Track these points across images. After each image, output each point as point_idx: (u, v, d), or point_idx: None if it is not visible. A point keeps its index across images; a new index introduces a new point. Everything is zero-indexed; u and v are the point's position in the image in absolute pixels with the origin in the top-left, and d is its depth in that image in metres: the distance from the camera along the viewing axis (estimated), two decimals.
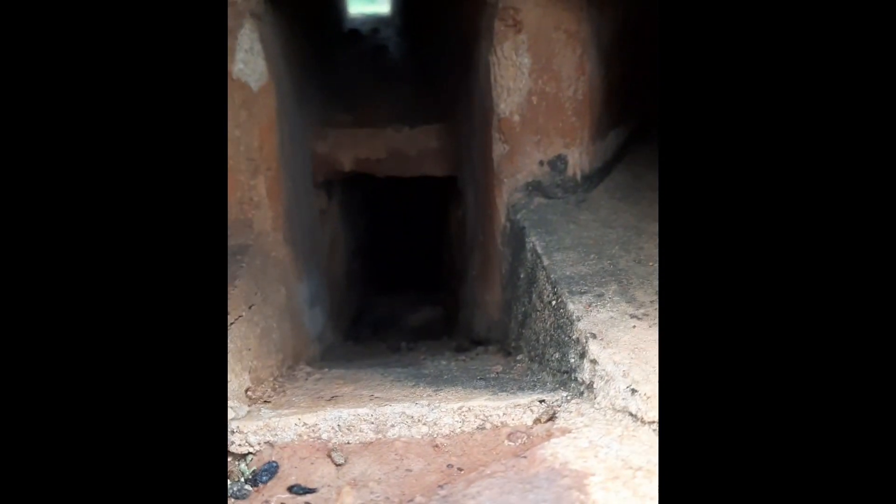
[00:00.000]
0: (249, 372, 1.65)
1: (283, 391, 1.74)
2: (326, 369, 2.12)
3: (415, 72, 4.10)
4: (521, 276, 1.99)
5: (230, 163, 2.09)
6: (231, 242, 2.09)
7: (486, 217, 2.38)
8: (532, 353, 1.81)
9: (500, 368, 1.92)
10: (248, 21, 2.05)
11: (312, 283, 2.69)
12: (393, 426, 1.38)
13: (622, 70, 2.29)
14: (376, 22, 6.05)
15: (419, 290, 4.95)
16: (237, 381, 1.55)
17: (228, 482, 1.26)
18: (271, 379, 1.79)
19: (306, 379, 1.96)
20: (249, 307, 1.83)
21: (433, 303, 4.67)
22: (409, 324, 4.48)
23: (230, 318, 1.68)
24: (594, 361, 1.41)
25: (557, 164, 2.14)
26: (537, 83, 2.08)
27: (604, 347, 1.42)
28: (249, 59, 2.06)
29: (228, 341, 1.59)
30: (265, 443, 1.33)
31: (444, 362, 2.24)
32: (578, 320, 1.54)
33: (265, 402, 1.60)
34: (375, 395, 1.59)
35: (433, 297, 4.73)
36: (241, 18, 2.03)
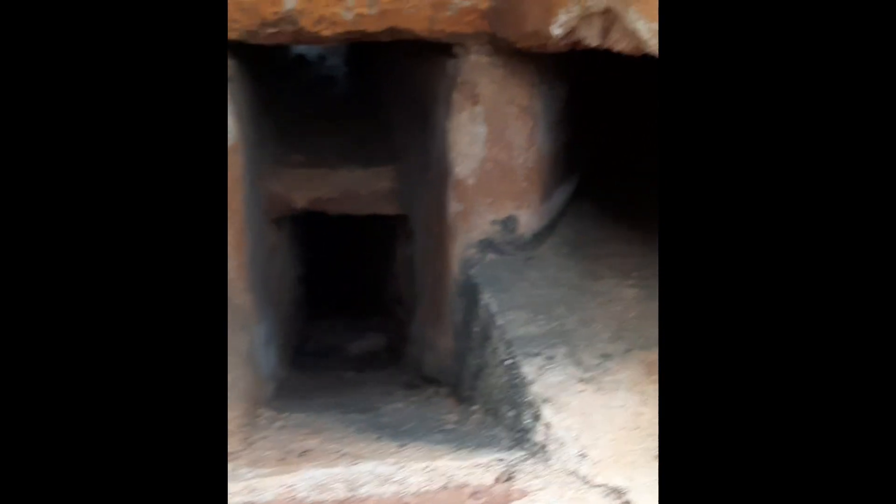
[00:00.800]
0: None
1: (253, 443, 1.85)
2: (287, 413, 2.22)
3: (365, 107, 4.21)
4: (476, 330, 2.15)
5: None
6: None
7: (440, 267, 2.52)
8: (486, 407, 1.97)
9: (455, 418, 2.07)
10: None
11: (268, 323, 2.78)
12: (364, 485, 1.51)
13: (567, 136, 2.49)
14: (322, 48, 6.13)
15: (360, 316, 5.04)
16: None
17: None
18: (238, 430, 1.89)
19: (269, 427, 2.06)
20: None
21: (375, 329, 4.77)
22: (352, 352, 4.58)
23: None
24: (548, 425, 1.57)
25: (508, 223, 2.31)
26: (491, 151, 2.24)
27: (556, 412, 1.59)
28: None
29: None
30: (247, 503, 1.44)
31: (399, 405, 2.38)
32: (532, 383, 1.70)
33: (237, 457, 1.70)
34: (344, 450, 1.72)
35: (375, 323, 4.84)
36: None
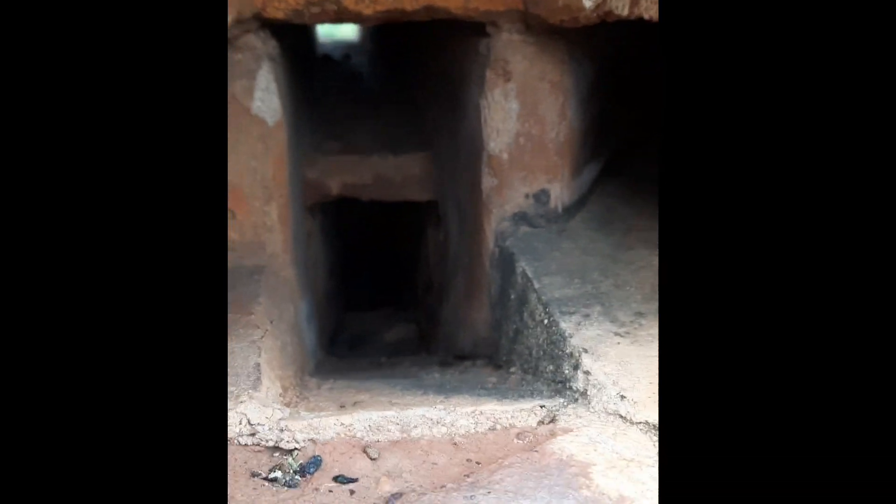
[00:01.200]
0: (279, 381, 1.85)
1: (307, 398, 1.95)
2: (332, 380, 2.32)
3: (393, 101, 4.33)
4: (512, 297, 2.24)
5: (247, 191, 2.30)
6: (247, 262, 2.29)
7: (475, 242, 2.62)
8: (525, 366, 2.05)
9: (494, 380, 2.15)
10: (266, 63, 2.26)
11: (308, 301, 2.89)
12: (416, 427, 1.60)
13: (596, 113, 2.57)
14: (347, 48, 6.27)
15: (391, 308, 5.15)
16: (273, 387, 1.76)
17: (280, 473, 1.46)
18: (292, 388, 1.99)
19: (319, 388, 2.16)
20: (271, 322, 2.03)
21: (406, 320, 4.87)
22: (384, 340, 4.68)
23: (259, 333, 1.89)
24: (587, 372, 1.66)
25: (541, 197, 2.40)
26: (524, 126, 2.34)
27: (595, 360, 1.67)
28: (266, 97, 2.27)
29: (262, 352, 1.79)
30: (309, 440, 1.53)
31: (437, 374, 2.46)
32: (571, 337, 1.79)
33: (296, 405, 1.80)
34: (394, 400, 1.81)
35: (406, 314, 4.94)
36: (260, 61, 2.24)
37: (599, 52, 2.52)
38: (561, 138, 2.37)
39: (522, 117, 2.34)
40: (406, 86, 4.32)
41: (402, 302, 5.06)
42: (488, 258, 2.49)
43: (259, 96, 2.27)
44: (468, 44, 2.50)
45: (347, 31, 7.19)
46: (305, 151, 3.35)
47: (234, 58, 2.22)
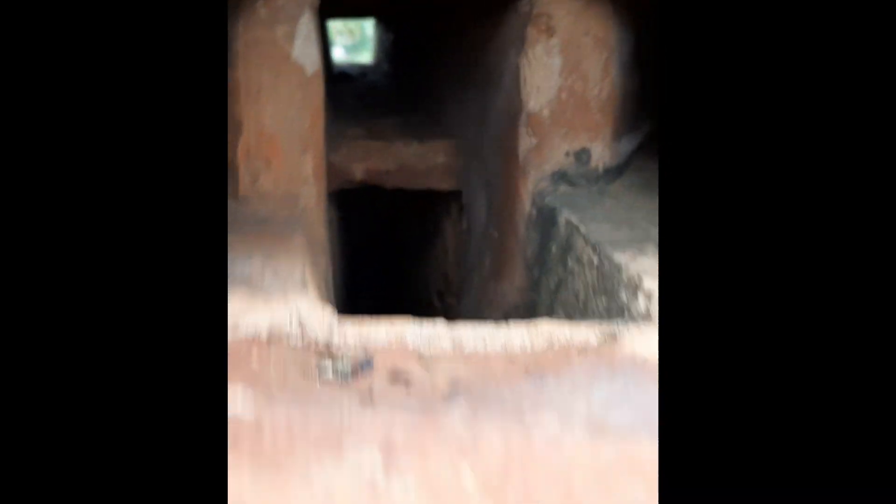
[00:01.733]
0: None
1: None
2: None
3: (413, 101, 4.34)
4: (553, 249, 2.17)
5: (283, 140, 2.25)
6: (280, 214, 2.23)
7: (507, 209, 2.56)
8: (571, 311, 1.98)
9: None
10: (307, 10, 2.23)
11: (333, 273, 2.81)
12: (468, 342, 1.52)
13: (637, 80, 2.55)
14: (362, 68, 6.35)
15: (402, 313, 5.05)
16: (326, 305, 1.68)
17: (331, 372, 1.37)
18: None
19: None
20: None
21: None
22: None
23: (301, 257, 1.82)
24: (649, 294, 1.58)
25: (582, 156, 2.36)
26: (567, 81, 2.31)
27: (657, 282, 1.60)
28: (306, 46, 2.24)
29: (310, 276, 1.72)
30: (360, 345, 1.45)
31: None
32: (626, 267, 1.72)
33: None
34: None
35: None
36: (302, 7, 2.22)
37: (641, 21, 2.50)
38: (604, 96, 2.33)
39: (565, 73, 2.31)
40: (426, 87, 4.33)
41: (413, 309, 4.97)
42: (524, 221, 2.43)
43: (299, 44, 2.24)
44: (503, 8, 2.49)
45: (363, 56, 7.28)
46: (329, 135, 3.31)
47: (277, 3, 2.19)
